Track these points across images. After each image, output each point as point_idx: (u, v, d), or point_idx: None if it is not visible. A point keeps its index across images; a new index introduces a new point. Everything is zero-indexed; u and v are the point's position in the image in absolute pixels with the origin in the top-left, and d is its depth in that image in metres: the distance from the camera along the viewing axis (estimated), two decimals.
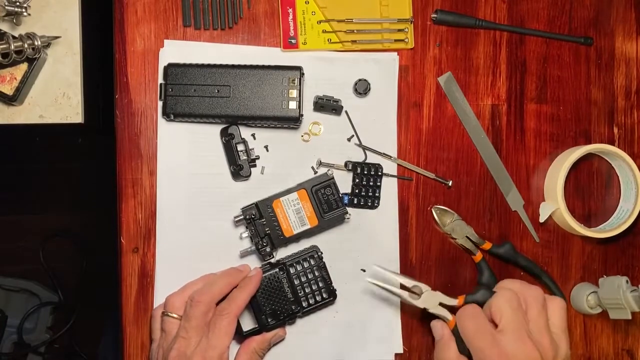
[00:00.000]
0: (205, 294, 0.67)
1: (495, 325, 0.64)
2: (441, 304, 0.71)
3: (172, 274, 0.73)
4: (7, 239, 1.55)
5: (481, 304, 0.68)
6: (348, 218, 0.74)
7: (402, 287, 0.71)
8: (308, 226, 0.73)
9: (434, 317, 0.71)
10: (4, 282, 1.49)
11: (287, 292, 0.72)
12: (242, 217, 0.72)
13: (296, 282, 0.72)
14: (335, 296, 0.73)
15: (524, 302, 0.65)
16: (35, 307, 1.49)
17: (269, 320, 0.72)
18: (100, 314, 1.38)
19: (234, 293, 0.69)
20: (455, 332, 0.68)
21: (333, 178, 0.73)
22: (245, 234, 0.73)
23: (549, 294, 0.78)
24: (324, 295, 0.73)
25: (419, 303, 0.71)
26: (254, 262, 0.74)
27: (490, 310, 0.65)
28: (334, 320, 0.75)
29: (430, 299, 0.71)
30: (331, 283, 0.73)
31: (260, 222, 0.72)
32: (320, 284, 0.73)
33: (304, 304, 0.73)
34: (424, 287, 0.71)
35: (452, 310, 0.70)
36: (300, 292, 0.73)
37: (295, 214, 0.73)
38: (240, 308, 0.68)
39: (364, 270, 0.75)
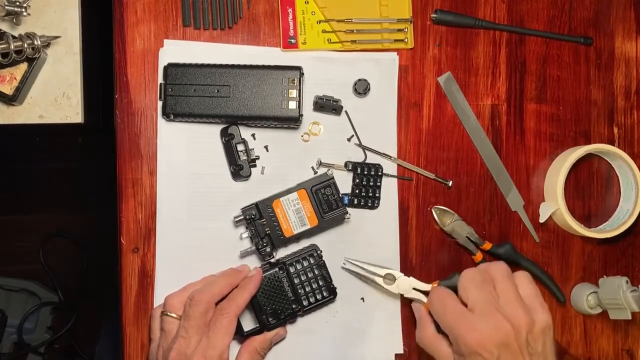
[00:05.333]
0: (204, 293, 0.67)
1: (466, 306, 0.64)
2: (415, 289, 0.73)
3: (172, 274, 0.73)
4: (7, 239, 1.55)
5: (454, 289, 0.68)
6: (348, 218, 0.74)
7: (376, 274, 0.74)
8: (308, 226, 0.73)
9: None
10: (4, 282, 1.49)
11: (287, 291, 0.72)
12: (242, 217, 0.72)
13: (296, 281, 0.72)
14: (335, 294, 0.74)
15: (488, 276, 0.65)
16: (35, 307, 1.49)
17: (270, 319, 0.72)
18: (100, 314, 1.39)
19: (235, 293, 0.69)
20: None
21: (333, 178, 0.73)
22: (245, 234, 0.73)
23: (548, 294, 0.78)
24: (325, 294, 0.73)
25: (393, 288, 0.73)
26: (254, 262, 0.74)
27: (458, 292, 0.65)
28: (334, 320, 0.75)
29: (405, 284, 0.73)
30: (331, 281, 0.73)
31: (260, 222, 0.72)
32: (321, 283, 0.73)
33: (305, 303, 0.73)
34: (396, 273, 0.73)
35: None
36: (301, 291, 0.73)
37: (295, 214, 0.73)
38: (240, 308, 0.68)
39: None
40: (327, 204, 0.73)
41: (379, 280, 0.73)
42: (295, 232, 0.73)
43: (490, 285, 0.64)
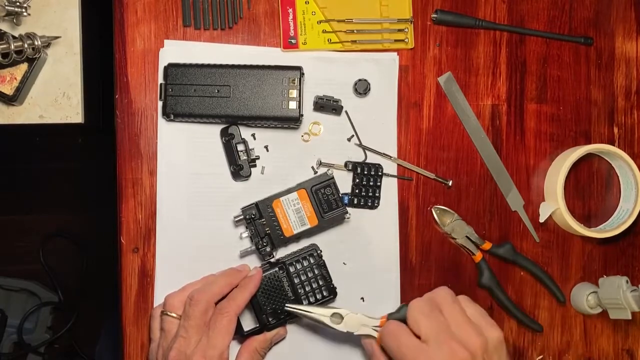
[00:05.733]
0: (204, 293, 0.67)
1: (419, 338, 0.63)
2: (365, 325, 0.69)
3: (172, 274, 0.73)
4: (7, 239, 1.55)
5: (405, 322, 0.66)
6: (348, 218, 0.74)
7: (323, 315, 0.70)
8: (308, 226, 0.73)
9: None
10: (4, 282, 1.49)
11: (287, 291, 0.72)
12: (242, 217, 0.72)
13: (296, 280, 0.72)
14: (335, 294, 0.73)
15: (434, 303, 0.64)
16: (35, 307, 1.49)
17: (270, 319, 0.72)
18: (100, 314, 1.39)
19: (234, 292, 0.69)
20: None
21: (333, 178, 0.73)
22: (245, 234, 0.73)
23: (548, 294, 0.78)
24: (324, 294, 0.73)
25: (342, 327, 0.69)
26: (254, 262, 0.74)
27: (409, 325, 0.64)
28: None
29: (353, 322, 0.69)
30: (331, 281, 0.73)
31: (260, 222, 0.72)
32: (320, 282, 0.73)
33: (305, 303, 0.73)
34: (343, 311, 0.70)
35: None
36: (301, 291, 0.73)
37: (295, 214, 0.73)
38: (240, 307, 0.68)
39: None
40: (327, 204, 0.73)
41: (326, 320, 0.69)
42: (295, 232, 0.73)
43: (439, 312, 0.63)
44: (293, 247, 0.75)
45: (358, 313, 0.70)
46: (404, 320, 0.65)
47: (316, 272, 0.73)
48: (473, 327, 0.62)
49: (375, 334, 0.69)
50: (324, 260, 0.73)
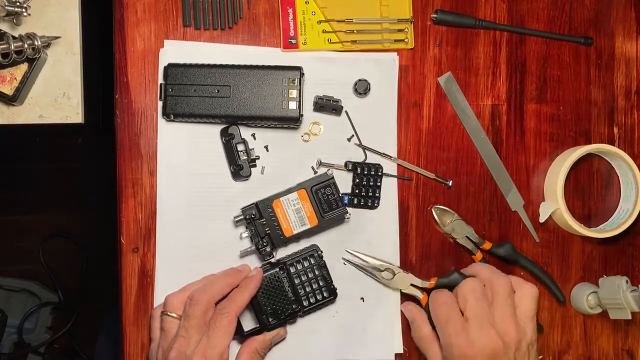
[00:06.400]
0: (204, 293, 0.67)
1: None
2: (413, 285, 0.74)
3: (172, 274, 0.73)
4: (7, 239, 1.55)
5: (452, 288, 0.71)
6: (348, 218, 0.74)
7: (376, 268, 0.75)
8: (308, 226, 0.73)
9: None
10: (4, 282, 1.49)
11: (287, 292, 0.72)
12: (242, 217, 0.72)
13: (296, 281, 0.72)
14: (335, 295, 0.74)
15: (490, 290, 0.68)
16: (35, 307, 1.49)
17: (270, 319, 0.72)
18: (100, 314, 1.38)
19: (235, 293, 0.69)
20: (426, 309, 0.72)
21: (333, 178, 0.73)
22: (245, 234, 0.73)
23: (548, 294, 0.78)
24: (325, 294, 0.73)
25: (393, 284, 0.74)
26: (254, 262, 0.74)
27: (457, 297, 0.68)
28: (334, 320, 0.75)
29: (403, 280, 0.74)
30: (332, 282, 0.73)
31: (260, 222, 0.72)
32: (321, 283, 0.73)
33: (305, 303, 0.73)
34: (396, 269, 0.74)
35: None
36: (301, 291, 0.73)
37: (295, 214, 0.73)
38: (240, 308, 0.68)
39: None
40: (327, 204, 0.73)
41: (378, 274, 0.74)
42: (295, 232, 0.73)
43: (488, 299, 0.67)
44: (293, 247, 0.75)
45: (409, 273, 0.74)
46: (452, 286, 0.71)
47: (317, 272, 0.73)
48: (515, 323, 0.66)
49: (421, 296, 0.74)
50: (324, 261, 0.73)
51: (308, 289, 0.73)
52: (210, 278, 0.71)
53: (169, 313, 0.69)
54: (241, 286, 0.69)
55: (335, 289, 0.74)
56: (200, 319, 0.66)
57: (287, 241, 0.73)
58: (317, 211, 0.73)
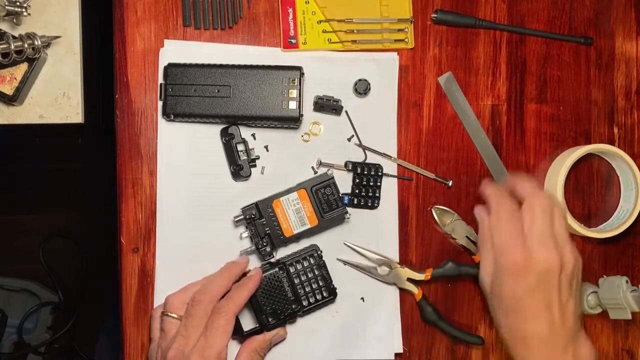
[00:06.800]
0: (206, 293, 0.67)
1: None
2: (409, 279, 0.75)
3: (172, 274, 0.73)
4: (7, 239, 1.55)
5: (448, 277, 0.74)
6: (348, 218, 0.74)
7: (373, 263, 0.75)
8: (308, 226, 0.73)
9: None
10: (4, 282, 1.49)
11: (287, 292, 0.72)
12: (242, 217, 0.72)
13: (296, 281, 0.72)
14: (335, 294, 0.74)
15: (550, 212, 0.66)
16: (35, 307, 1.49)
17: (270, 319, 0.72)
18: (100, 314, 1.38)
19: (233, 292, 0.69)
20: (421, 304, 0.74)
21: (333, 178, 0.73)
22: (245, 234, 0.73)
23: None
24: (324, 294, 0.73)
25: (390, 278, 0.75)
26: (254, 262, 0.74)
27: (523, 213, 0.66)
28: (334, 320, 0.75)
29: (400, 274, 0.75)
30: (331, 282, 0.73)
31: (260, 222, 0.72)
32: (321, 283, 0.73)
33: (305, 303, 0.73)
34: (393, 263, 0.75)
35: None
36: (301, 291, 0.73)
37: (295, 214, 0.73)
38: (238, 307, 0.68)
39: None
40: (327, 204, 0.73)
41: (374, 270, 0.75)
42: (295, 232, 0.73)
43: (550, 218, 0.66)
44: (293, 247, 0.75)
45: (405, 267, 0.75)
46: (447, 276, 0.74)
47: (316, 272, 0.73)
48: (572, 246, 0.65)
49: (416, 291, 0.74)
50: (324, 261, 0.73)
51: (308, 289, 0.73)
52: (210, 278, 0.71)
53: (169, 313, 0.69)
54: (239, 285, 0.69)
55: (335, 288, 0.74)
56: (201, 318, 0.66)
57: (287, 241, 0.73)
58: (317, 211, 0.73)
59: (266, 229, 0.72)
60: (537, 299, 0.64)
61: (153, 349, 0.69)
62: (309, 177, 0.74)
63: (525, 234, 0.65)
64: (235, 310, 0.68)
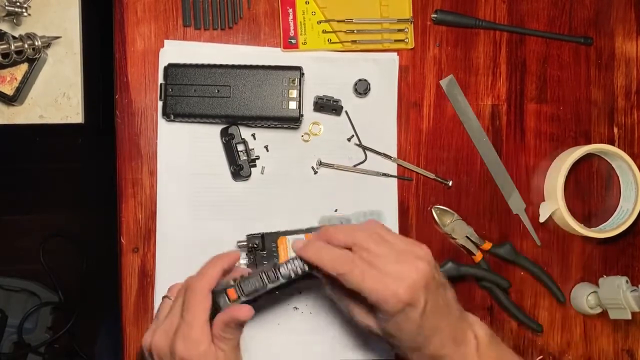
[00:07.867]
0: (198, 278, 0.64)
1: None
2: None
3: (172, 274, 0.73)
4: (7, 239, 1.55)
5: (448, 278, 0.65)
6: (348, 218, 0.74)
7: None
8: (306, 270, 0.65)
9: None
10: (4, 282, 1.49)
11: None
12: (245, 243, 0.72)
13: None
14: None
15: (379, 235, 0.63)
16: (35, 307, 1.49)
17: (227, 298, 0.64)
18: (100, 314, 1.39)
19: (204, 268, 0.65)
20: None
21: None
22: (244, 261, 0.72)
23: (548, 294, 0.78)
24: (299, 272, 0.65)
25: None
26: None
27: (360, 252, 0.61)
28: (334, 320, 0.75)
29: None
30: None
31: (261, 253, 0.71)
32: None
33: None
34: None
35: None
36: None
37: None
38: (209, 282, 0.63)
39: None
40: None
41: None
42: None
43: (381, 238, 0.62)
44: None
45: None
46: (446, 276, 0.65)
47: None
48: (415, 242, 0.63)
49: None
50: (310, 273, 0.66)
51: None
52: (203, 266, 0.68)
53: (168, 296, 0.67)
54: (211, 260, 0.66)
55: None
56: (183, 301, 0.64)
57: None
58: None
59: (264, 262, 0.71)
60: (432, 312, 0.60)
61: (146, 333, 0.67)
62: (320, 225, 0.73)
63: (379, 267, 0.59)
64: (206, 285, 0.63)
